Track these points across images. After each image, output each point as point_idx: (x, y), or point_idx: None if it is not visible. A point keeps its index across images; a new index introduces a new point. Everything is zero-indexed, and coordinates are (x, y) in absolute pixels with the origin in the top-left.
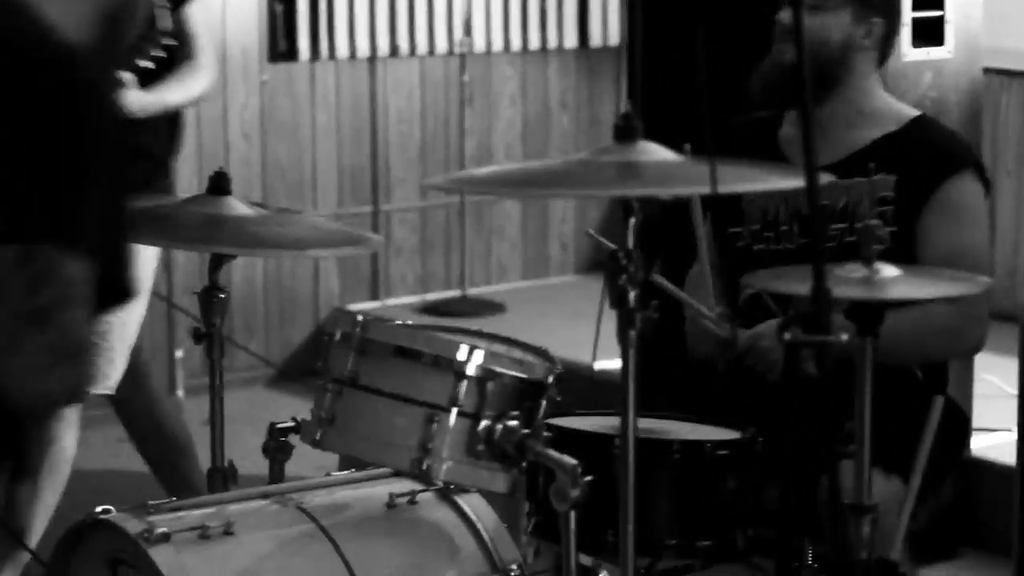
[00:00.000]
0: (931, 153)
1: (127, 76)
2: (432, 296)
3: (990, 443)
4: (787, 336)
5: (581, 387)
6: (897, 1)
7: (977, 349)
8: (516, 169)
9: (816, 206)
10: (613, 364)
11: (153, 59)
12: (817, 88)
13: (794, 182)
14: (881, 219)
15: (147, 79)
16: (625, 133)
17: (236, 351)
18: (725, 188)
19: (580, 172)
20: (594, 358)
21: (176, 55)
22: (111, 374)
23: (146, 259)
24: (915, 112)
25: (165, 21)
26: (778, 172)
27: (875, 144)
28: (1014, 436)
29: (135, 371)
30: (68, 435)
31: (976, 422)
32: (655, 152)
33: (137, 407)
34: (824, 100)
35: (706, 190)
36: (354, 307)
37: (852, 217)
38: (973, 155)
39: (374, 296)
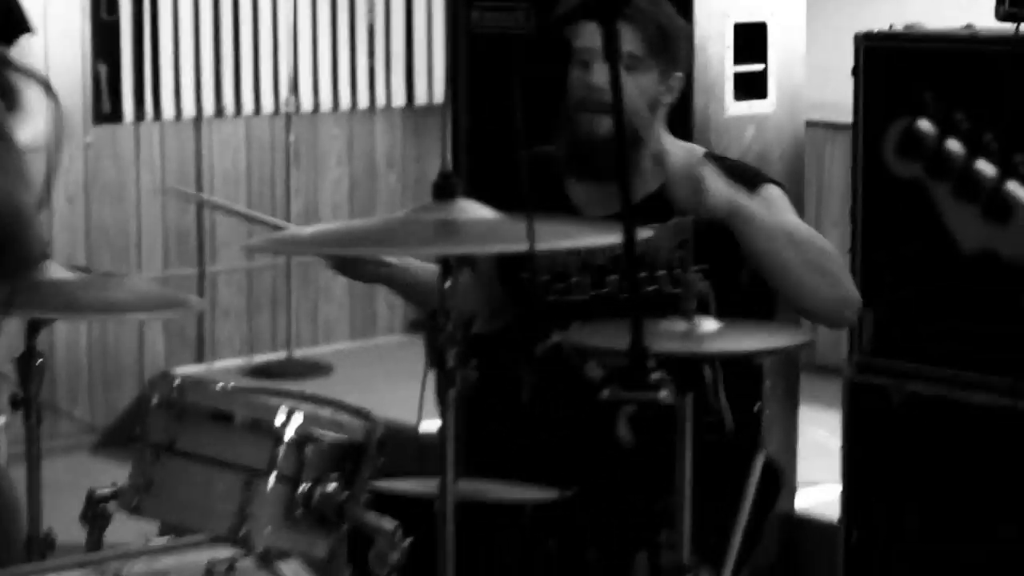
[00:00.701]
0: (730, 177)
1: None
2: (259, 358)
3: (813, 501)
4: (605, 395)
5: (408, 449)
6: (691, 52)
7: (847, 314)
8: (336, 229)
9: (633, 262)
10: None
11: None
12: (631, 155)
13: (611, 238)
14: (682, 263)
15: None
16: (444, 191)
17: (60, 416)
18: (543, 245)
19: (399, 231)
20: (419, 420)
21: None
22: None
23: None
24: (701, 148)
25: None
26: (594, 228)
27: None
28: (838, 491)
29: None
30: None
31: (800, 476)
32: (474, 210)
33: None
34: (629, 162)
35: (524, 247)
36: (180, 370)
37: (652, 265)
38: (768, 175)
39: (200, 359)
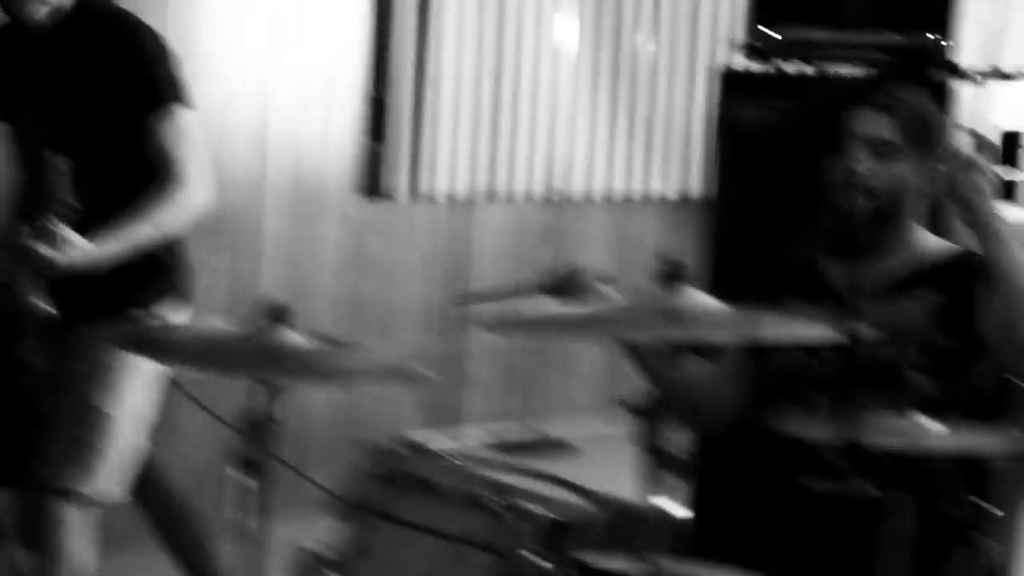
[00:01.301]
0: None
1: (59, 228)
2: (505, 433)
3: None
4: (819, 487)
5: (642, 529)
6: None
7: None
8: (569, 312)
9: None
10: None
11: (63, 218)
12: (883, 238)
13: (829, 333)
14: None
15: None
16: (670, 278)
17: (296, 476)
18: (764, 335)
19: (624, 316)
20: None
21: (150, 174)
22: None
23: (143, 377)
24: (958, 246)
25: (61, 185)
26: (818, 320)
27: (920, 271)
28: None
29: (154, 481)
30: (82, 549)
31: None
32: (699, 298)
33: (164, 522)
34: (885, 251)
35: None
36: (425, 439)
37: (897, 337)
38: None
39: (445, 429)
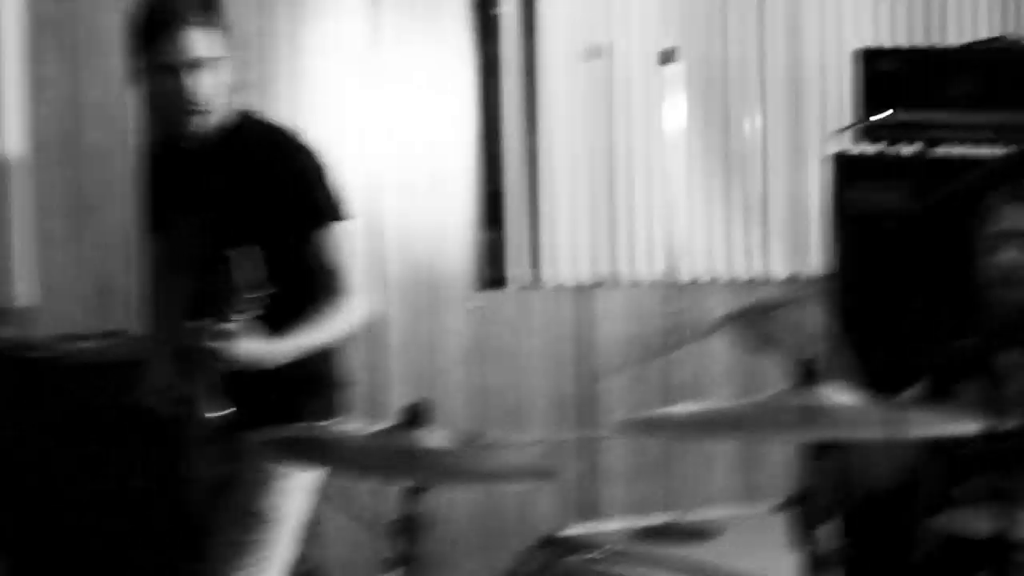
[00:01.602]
0: None
1: (232, 327)
2: (644, 521)
3: None
4: None
5: None
6: None
7: None
8: (704, 411)
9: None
10: None
11: (249, 311)
12: None
13: (977, 426)
14: None
15: (279, 311)
16: (806, 378)
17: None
18: (911, 431)
19: (763, 415)
20: None
21: (316, 286)
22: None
23: (301, 481)
24: None
25: (252, 273)
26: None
27: None
28: None
29: None
30: None
31: None
32: (837, 396)
33: None
34: None
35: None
36: (565, 532)
37: None
38: None
39: (586, 521)
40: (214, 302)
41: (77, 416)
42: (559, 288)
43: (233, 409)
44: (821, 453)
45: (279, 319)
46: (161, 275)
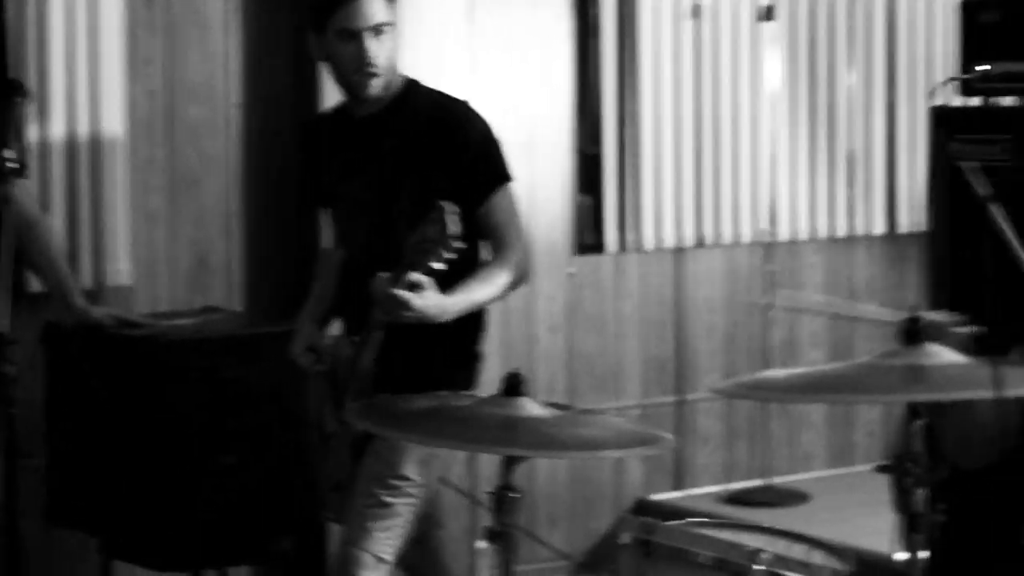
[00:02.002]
0: None
1: (422, 279)
2: (736, 486)
3: None
4: None
5: None
6: None
7: None
8: (804, 374)
9: None
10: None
11: (445, 262)
12: None
13: None
14: None
15: (450, 277)
16: (911, 336)
17: (538, 544)
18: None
19: (867, 377)
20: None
21: (481, 248)
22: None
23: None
24: None
25: (455, 226)
26: None
27: None
28: None
29: (428, 553)
30: None
31: None
32: (940, 355)
33: None
34: None
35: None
36: (656, 497)
37: None
38: None
39: (678, 486)
40: (414, 252)
41: (176, 393)
42: (656, 251)
43: (383, 367)
44: (924, 414)
45: (451, 278)
46: (326, 247)
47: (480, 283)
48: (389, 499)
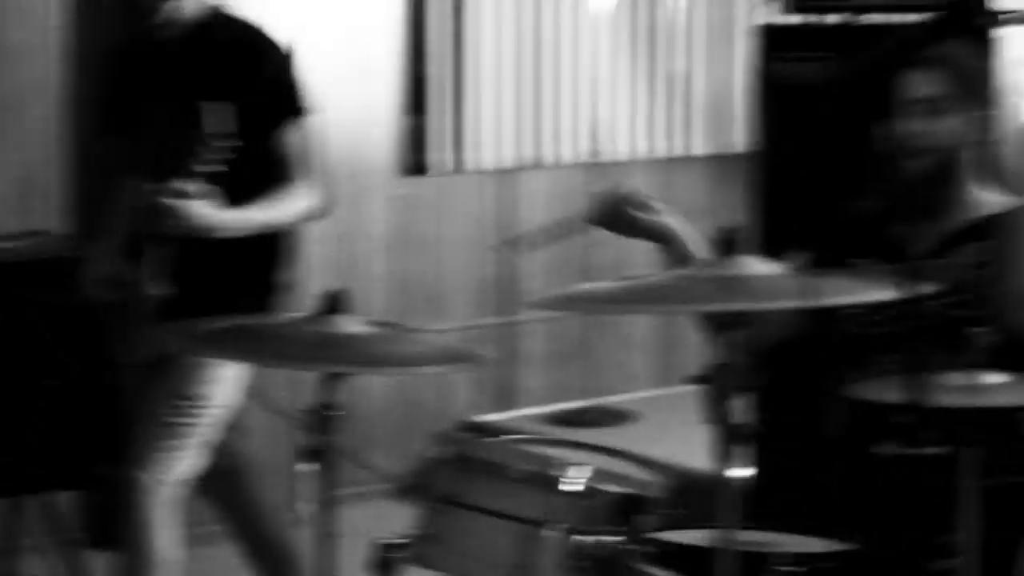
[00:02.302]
0: None
1: (189, 187)
2: (563, 406)
3: None
4: (885, 450)
5: (709, 497)
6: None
7: None
8: (622, 286)
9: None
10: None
11: (216, 163)
12: (938, 194)
13: (890, 293)
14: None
15: (237, 198)
16: (726, 247)
17: (360, 466)
18: (826, 301)
19: (681, 288)
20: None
21: (276, 177)
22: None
23: (229, 370)
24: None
25: (221, 125)
26: (878, 280)
27: (969, 227)
28: None
29: (233, 475)
30: (161, 535)
31: None
32: (756, 266)
33: (242, 516)
34: (945, 205)
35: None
36: (482, 418)
37: (957, 288)
38: None
39: (503, 408)
40: (180, 156)
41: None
42: (481, 172)
43: (174, 291)
44: (732, 324)
45: (242, 202)
46: (119, 173)
47: (264, 207)
48: (172, 420)
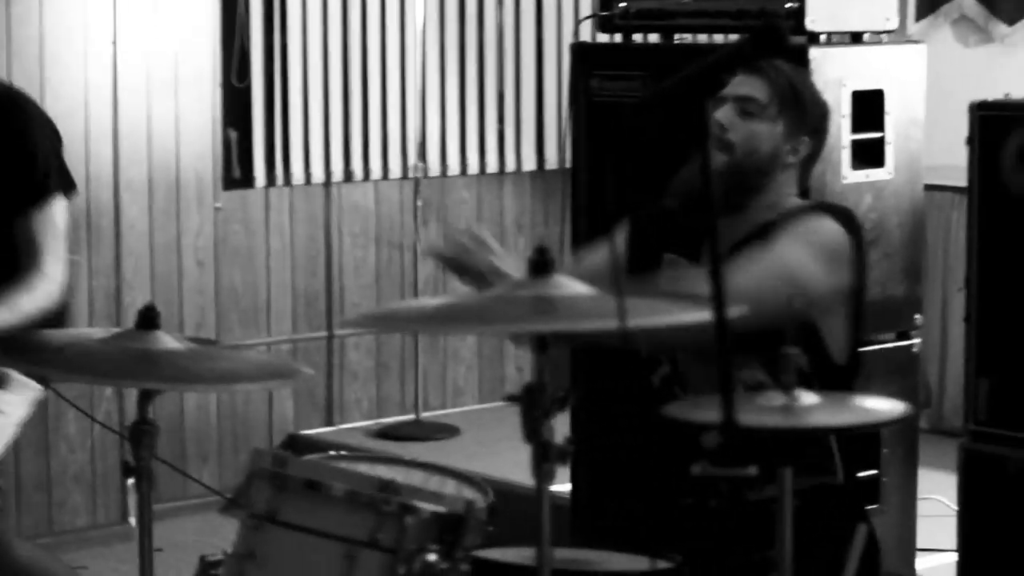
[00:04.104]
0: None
1: None
2: (386, 420)
3: (932, 564)
4: (697, 470)
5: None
6: (826, 127)
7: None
8: (435, 305)
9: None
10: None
11: None
12: (739, 194)
13: (704, 315)
14: None
15: None
16: (539, 267)
17: (182, 477)
18: (636, 322)
19: (496, 307)
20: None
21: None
22: None
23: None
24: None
25: None
26: (691, 304)
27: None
28: (955, 557)
29: None
30: None
31: (920, 542)
32: (570, 286)
33: None
34: (743, 208)
35: (616, 324)
36: (306, 432)
37: None
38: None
39: (329, 421)
40: None
41: None
42: (305, 186)
43: None
44: (547, 343)
45: None
46: None
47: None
48: None
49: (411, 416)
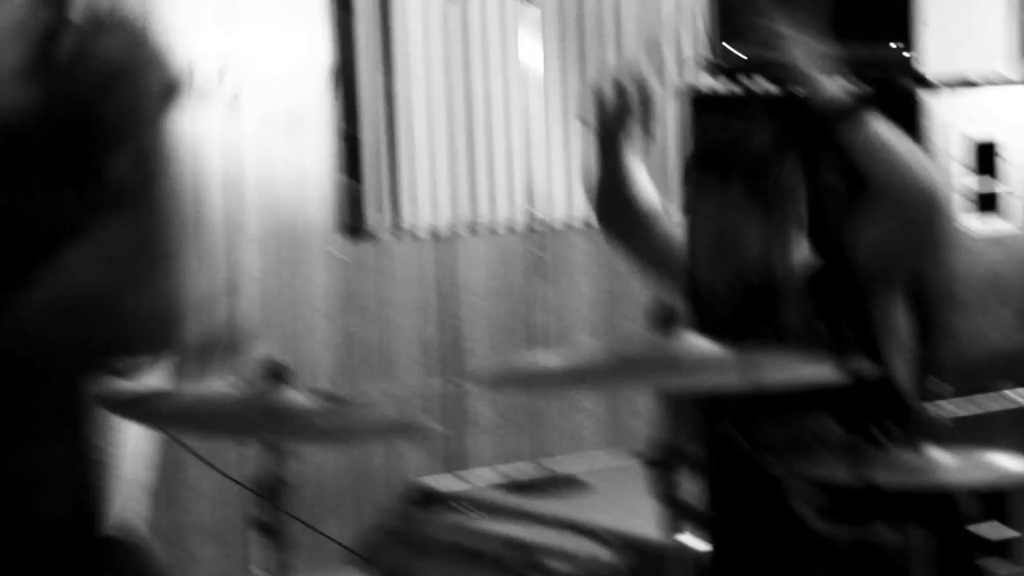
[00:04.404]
0: None
1: None
2: (514, 472)
3: None
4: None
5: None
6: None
7: None
8: (562, 364)
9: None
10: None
11: None
12: None
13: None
14: None
15: None
16: (665, 324)
17: (315, 534)
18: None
19: (619, 366)
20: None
21: None
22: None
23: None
24: None
25: None
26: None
27: None
28: None
29: None
30: None
31: None
32: (695, 343)
33: None
34: None
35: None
36: (432, 484)
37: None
38: None
39: (453, 471)
40: None
41: None
42: (420, 235)
43: None
44: (678, 401)
45: None
46: None
47: None
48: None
49: (538, 468)
